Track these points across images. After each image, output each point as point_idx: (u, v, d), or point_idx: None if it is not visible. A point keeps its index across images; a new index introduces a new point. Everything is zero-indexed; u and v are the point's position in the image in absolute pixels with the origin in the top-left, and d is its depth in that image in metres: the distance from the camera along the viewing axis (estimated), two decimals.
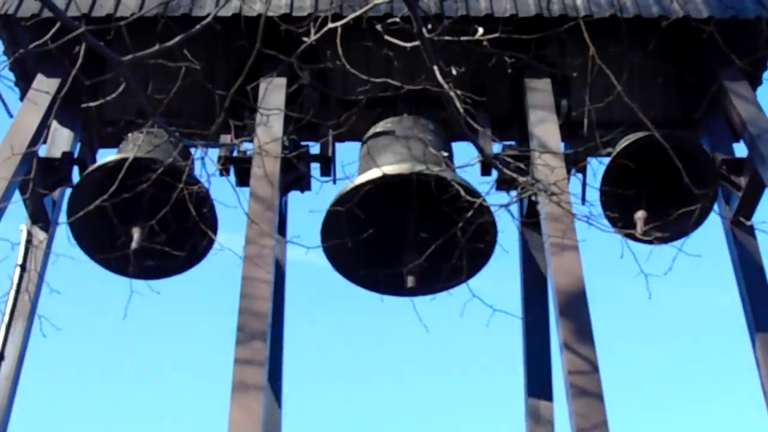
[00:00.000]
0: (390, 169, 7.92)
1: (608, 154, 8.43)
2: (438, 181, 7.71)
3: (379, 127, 8.42)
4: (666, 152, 8.28)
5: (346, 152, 8.91)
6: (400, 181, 8.01)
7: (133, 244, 7.97)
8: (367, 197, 7.98)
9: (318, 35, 5.97)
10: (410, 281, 7.96)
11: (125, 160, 7.27)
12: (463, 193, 7.19)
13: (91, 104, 6.55)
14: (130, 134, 8.41)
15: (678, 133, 8.05)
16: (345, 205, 7.91)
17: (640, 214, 8.42)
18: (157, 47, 5.67)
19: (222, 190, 7.05)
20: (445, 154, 6.87)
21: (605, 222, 7.48)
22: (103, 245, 8.22)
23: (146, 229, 7.90)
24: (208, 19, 5.94)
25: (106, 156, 8.62)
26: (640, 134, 8.24)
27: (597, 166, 8.21)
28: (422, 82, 6.29)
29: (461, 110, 6.08)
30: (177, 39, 5.71)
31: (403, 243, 8.23)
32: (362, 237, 8.04)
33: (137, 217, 7.97)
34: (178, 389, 18.07)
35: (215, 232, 7.90)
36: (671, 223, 8.30)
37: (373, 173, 7.88)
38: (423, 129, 8.24)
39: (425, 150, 7.92)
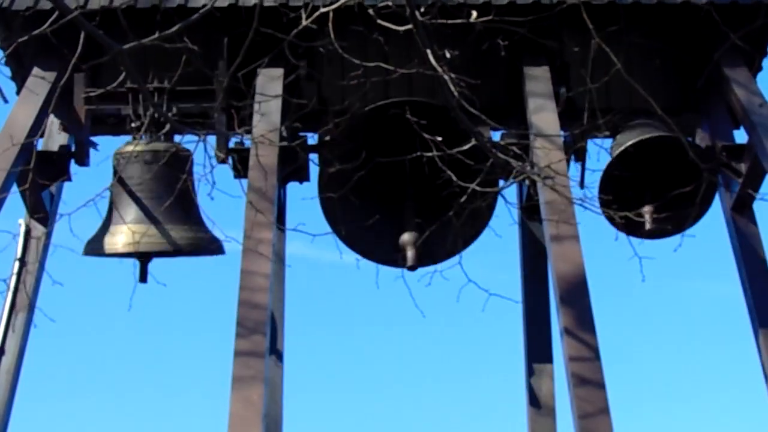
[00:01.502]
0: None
1: (607, 136, 8.44)
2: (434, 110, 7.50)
3: None
4: (664, 148, 8.33)
5: None
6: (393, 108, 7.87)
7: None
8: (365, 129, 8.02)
9: (311, 18, 5.95)
10: (410, 259, 8.00)
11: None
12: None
13: (90, 93, 6.53)
14: (132, 124, 8.37)
15: (676, 120, 8.02)
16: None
17: (647, 209, 8.39)
18: (156, 35, 5.65)
19: (219, 182, 7.02)
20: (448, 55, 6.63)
21: (602, 208, 7.46)
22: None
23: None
24: (207, 7, 5.92)
25: (103, 145, 8.65)
26: (636, 137, 8.28)
27: (596, 151, 8.21)
28: (416, 66, 6.25)
29: (455, 94, 6.05)
30: (176, 27, 5.70)
31: (403, 211, 8.25)
32: (363, 200, 8.07)
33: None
34: (179, 382, 18.08)
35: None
36: (672, 216, 8.32)
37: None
38: None
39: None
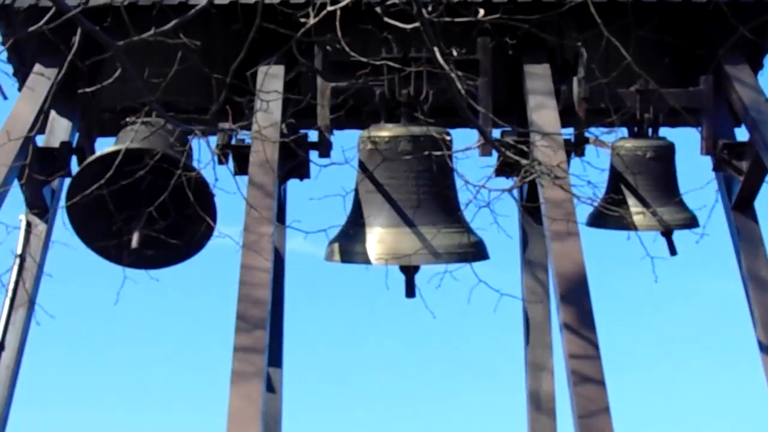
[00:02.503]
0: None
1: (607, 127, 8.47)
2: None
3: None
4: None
5: (345, 139, 8.88)
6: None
7: (134, 244, 7.85)
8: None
9: (318, 18, 5.95)
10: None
11: (119, 151, 7.21)
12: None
13: (88, 90, 6.55)
14: (128, 121, 8.38)
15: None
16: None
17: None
18: (153, 31, 5.65)
19: (220, 179, 7.00)
20: (448, 138, 6.47)
21: (608, 205, 7.47)
22: (101, 234, 8.16)
23: (144, 221, 7.83)
24: (204, 2, 5.92)
25: (104, 145, 8.63)
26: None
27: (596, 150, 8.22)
28: (422, 65, 6.26)
29: (463, 91, 6.06)
30: (174, 22, 5.70)
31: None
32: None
33: (135, 207, 7.91)
34: (178, 378, 18.08)
35: (214, 220, 7.80)
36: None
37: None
38: None
39: None
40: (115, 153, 7.45)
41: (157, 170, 7.18)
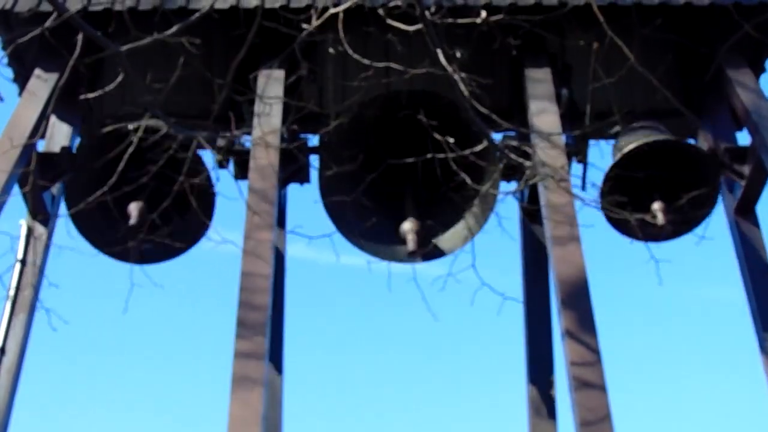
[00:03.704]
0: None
1: (611, 136, 8.44)
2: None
3: None
4: (668, 151, 8.30)
5: None
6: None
7: (131, 220, 7.91)
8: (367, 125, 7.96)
9: (320, 21, 5.95)
10: (410, 242, 7.99)
11: (124, 128, 7.25)
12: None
13: (90, 95, 6.53)
14: (129, 127, 8.36)
15: (679, 122, 8.03)
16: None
17: (657, 206, 8.34)
18: (155, 36, 5.65)
19: (221, 185, 7.02)
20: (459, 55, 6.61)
21: (613, 207, 7.44)
22: (103, 232, 8.19)
23: (144, 207, 7.87)
24: (206, 8, 5.91)
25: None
26: (638, 141, 8.26)
27: (599, 152, 8.20)
28: (425, 67, 6.24)
29: (466, 93, 6.04)
30: (175, 28, 5.70)
31: (403, 207, 8.26)
32: (362, 189, 8.01)
33: (136, 200, 7.96)
34: (178, 383, 18.07)
35: (211, 214, 7.88)
36: (677, 218, 8.31)
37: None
38: None
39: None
40: (119, 130, 7.46)
41: (160, 162, 7.20)
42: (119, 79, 5.96)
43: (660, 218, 8.17)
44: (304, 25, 6.20)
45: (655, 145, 8.35)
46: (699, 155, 8.39)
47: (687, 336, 18.20)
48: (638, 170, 8.25)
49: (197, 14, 5.78)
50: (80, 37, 5.75)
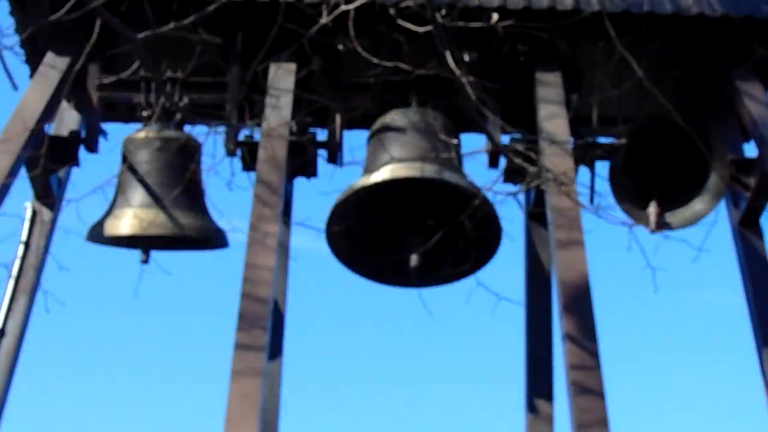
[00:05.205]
0: (399, 169, 8.02)
1: (613, 150, 8.46)
2: (443, 184, 7.88)
3: (387, 119, 8.40)
4: (675, 140, 8.31)
5: (353, 140, 8.89)
6: (408, 183, 8.11)
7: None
8: (375, 193, 8.10)
9: (332, 16, 5.98)
10: (413, 260, 8.03)
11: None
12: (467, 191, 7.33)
13: (105, 81, 6.54)
14: (143, 113, 8.36)
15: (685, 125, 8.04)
16: (353, 200, 8.03)
17: (651, 209, 8.40)
18: (172, 25, 5.67)
19: (226, 173, 7.05)
20: (455, 141, 6.87)
21: (613, 215, 7.47)
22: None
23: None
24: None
25: (112, 133, 8.65)
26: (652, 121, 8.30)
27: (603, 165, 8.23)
28: (433, 68, 6.28)
29: (473, 97, 6.06)
30: (192, 17, 5.72)
31: (408, 233, 8.30)
32: (367, 227, 8.12)
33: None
34: (177, 372, 18.08)
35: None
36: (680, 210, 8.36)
37: (383, 174, 7.99)
38: (432, 118, 8.25)
39: (434, 143, 7.97)
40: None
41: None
42: (134, 66, 5.99)
43: (652, 221, 8.27)
44: (318, 20, 6.23)
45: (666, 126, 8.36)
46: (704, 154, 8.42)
47: (687, 339, 18.25)
48: (647, 153, 8.32)
49: (215, 4, 5.81)
50: (98, 23, 5.76)
